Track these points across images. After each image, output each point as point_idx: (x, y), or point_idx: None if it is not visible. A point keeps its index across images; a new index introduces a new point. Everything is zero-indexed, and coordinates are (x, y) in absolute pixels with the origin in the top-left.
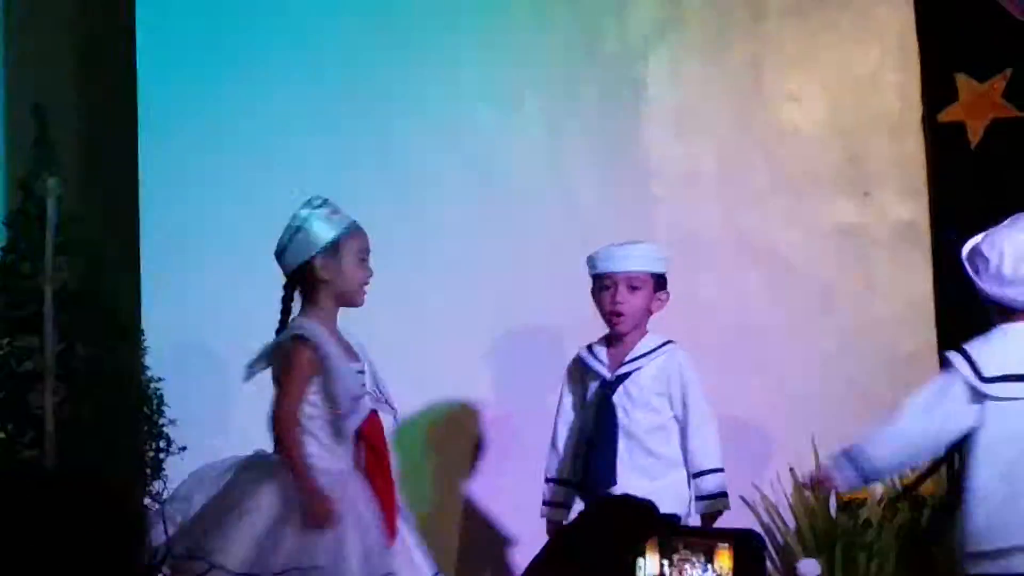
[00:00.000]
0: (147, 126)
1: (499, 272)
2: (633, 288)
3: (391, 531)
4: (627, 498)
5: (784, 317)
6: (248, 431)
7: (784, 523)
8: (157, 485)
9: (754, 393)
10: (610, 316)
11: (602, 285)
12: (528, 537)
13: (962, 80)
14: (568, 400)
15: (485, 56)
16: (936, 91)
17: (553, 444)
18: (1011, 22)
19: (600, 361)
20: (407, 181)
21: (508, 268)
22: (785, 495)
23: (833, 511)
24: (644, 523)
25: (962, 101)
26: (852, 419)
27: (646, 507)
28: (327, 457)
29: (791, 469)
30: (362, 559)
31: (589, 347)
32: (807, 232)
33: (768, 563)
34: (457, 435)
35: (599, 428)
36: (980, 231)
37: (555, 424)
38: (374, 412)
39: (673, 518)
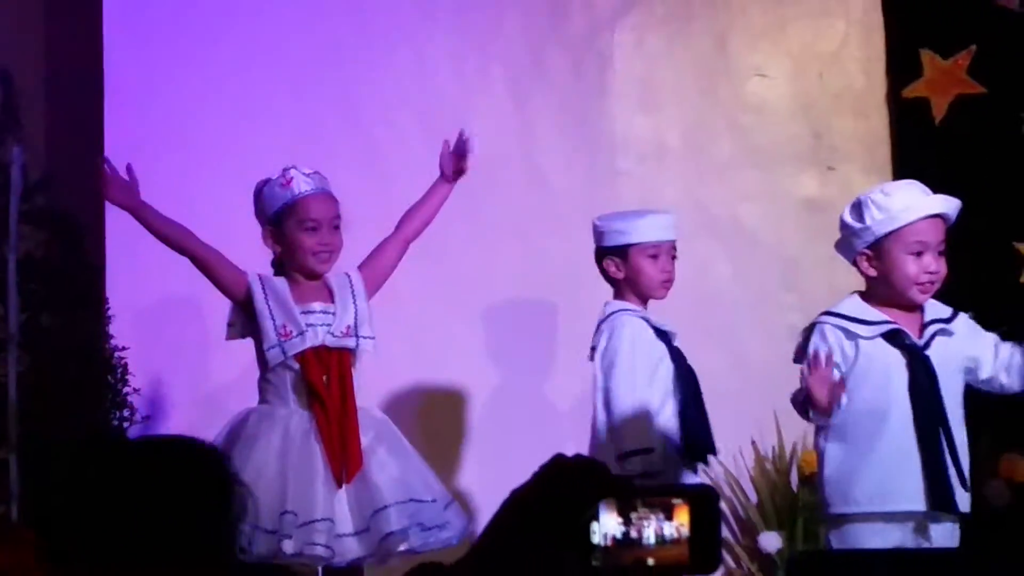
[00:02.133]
0: (113, 93)
1: (465, 245)
2: (673, 257)
3: (337, 475)
4: (580, 459)
5: (748, 290)
6: (214, 400)
7: (746, 497)
8: None
9: (717, 366)
10: (663, 284)
11: (647, 253)
12: None
13: (927, 56)
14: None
15: (452, 29)
16: (901, 67)
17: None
18: None
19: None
20: (374, 154)
21: (475, 241)
22: (747, 469)
23: (795, 485)
24: (598, 484)
25: (927, 77)
26: None
27: (600, 467)
28: (271, 399)
29: (753, 443)
30: (283, 498)
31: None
32: (771, 206)
33: (730, 536)
34: (413, 409)
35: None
36: None
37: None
38: (327, 354)
39: (627, 478)
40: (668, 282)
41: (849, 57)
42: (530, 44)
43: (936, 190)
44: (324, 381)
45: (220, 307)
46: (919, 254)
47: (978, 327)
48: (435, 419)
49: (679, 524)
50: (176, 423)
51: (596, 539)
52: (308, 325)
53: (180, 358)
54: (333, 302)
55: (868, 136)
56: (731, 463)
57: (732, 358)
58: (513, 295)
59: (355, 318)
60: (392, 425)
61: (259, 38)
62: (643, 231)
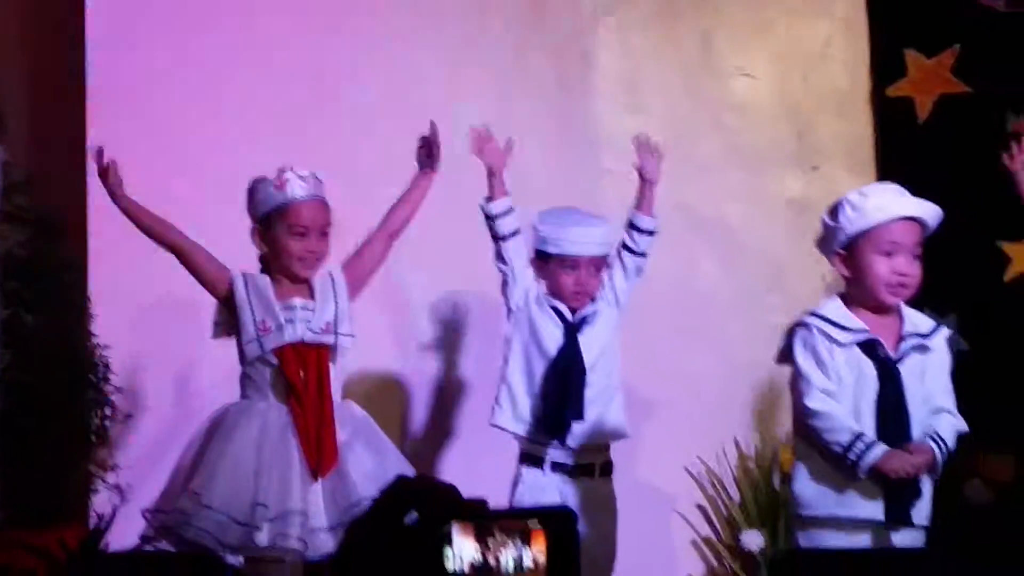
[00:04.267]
0: (96, 92)
1: (447, 243)
2: (597, 269)
3: (312, 468)
4: (424, 480)
5: (732, 290)
6: (196, 399)
7: (728, 495)
8: (102, 453)
9: (701, 366)
10: (573, 295)
11: (568, 264)
12: None
13: (911, 55)
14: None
15: (434, 27)
16: (885, 66)
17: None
18: None
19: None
20: (357, 155)
21: (460, 241)
22: (730, 468)
23: (776, 484)
24: (446, 507)
25: (911, 76)
26: None
27: (445, 489)
28: (251, 393)
29: (736, 441)
30: (257, 490)
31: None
32: (756, 205)
33: (712, 535)
34: (396, 404)
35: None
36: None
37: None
38: (305, 350)
39: (479, 501)
40: (580, 294)
41: (833, 57)
42: (514, 44)
43: (920, 189)
44: (301, 376)
45: (203, 305)
46: (889, 255)
47: (946, 366)
48: (419, 415)
49: (537, 550)
50: (158, 422)
51: (450, 565)
52: (287, 320)
53: (163, 356)
54: (314, 298)
55: (852, 136)
56: (714, 462)
57: (716, 357)
58: (498, 296)
59: (335, 315)
60: (371, 422)
61: (243, 40)
62: (563, 244)
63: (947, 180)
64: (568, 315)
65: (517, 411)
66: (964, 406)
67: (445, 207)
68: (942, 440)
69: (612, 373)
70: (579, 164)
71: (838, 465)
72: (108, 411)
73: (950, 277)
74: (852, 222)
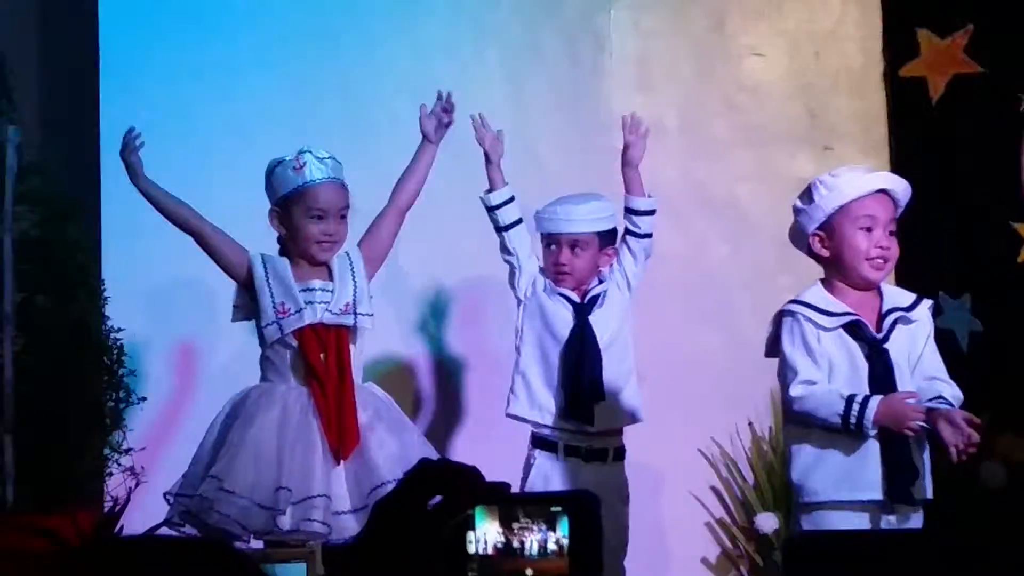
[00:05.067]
0: (109, 75)
1: (461, 226)
2: (575, 248)
3: (334, 450)
4: (448, 464)
5: (744, 270)
6: (209, 382)
7: (743, 478)
8: (116, 436)
9: (714, 347)
10: (555, 275)
11: (547, 243)
12: None
13: (924, 35)
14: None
15: (446, 8)
16: (898, 46)
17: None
18: None
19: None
20: (369, 134)
21: (471, 222)
22: (744, 449)
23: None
24: (468, 490)
25: (924, 56)
26: None
27: (470, 473)
28: (272, 376)
29: (750, 423)
30: (280, 474)
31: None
32: (768, 186)
33: (726, 517)
34: (411, 388)
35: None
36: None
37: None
38: (325, 332)
39: (502, 485)
40: (561, 274)
41: (846, 36)
42: (525, 24)
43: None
44: (322, 358)
45: (216, 287)
46: (869, 229)
47: (931, 335)
48: (434, 397)
49: (560, 535)
50: (172, 404)
51: (472, 548)
52: (307, 303)
53: (176, 339)
54: (332, 280)
55: (865, 116)
56: (728, 444)
57: (728, 338)
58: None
59: (354, 295)
60: (393, 403)
61: (255, 24)
62: (542, 223)
63: (960, 160)
64: (575, 297)
65: (534, 399)
66: (978, 386)
67: (459, 187)
68: (947, 402)
69: (625, 358)
70: (591, 145)
71: (834, 444)
72: (122, 394)
73: (964, 258)
74: (828, 200)
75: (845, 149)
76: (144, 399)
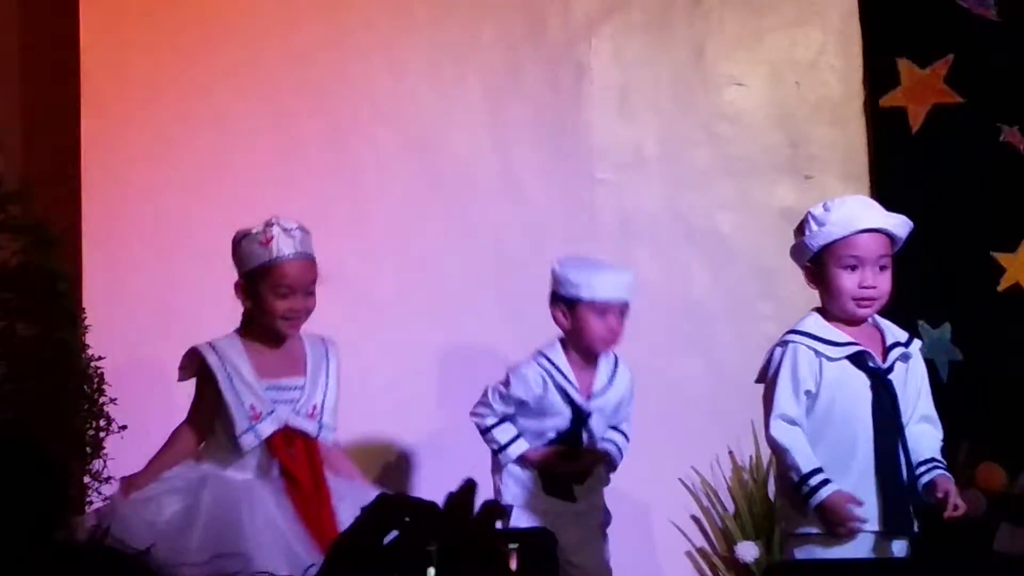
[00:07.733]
0: (90, 104)
1: (441, 254)
2: (623, 315)
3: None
4: (406, 499)
5: (725, 299)
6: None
7: (723, 506)
8: (97, 464)
9: (694, 375)
10: (606, 341)
11: (595, 309)
12: None
13: (904, 65)
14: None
15: (428, 38)
16: (878, 76)
17: None
18: (953, 7)
19: (573, 385)
20: (351, 164)
21: (451, 250)
22: (724, 478)
23: (771, 495)
24: (428, 526)
25: (904, 86)
26: None
27: (429, 508)
28: (223, 464)
29: (730, 452)
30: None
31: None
32: (749, 215)
33: (707, 546)
34: (389, 417)
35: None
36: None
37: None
38: (294, 436)
39: (467, 482)
40: (611, 341)
41: (826, 66)
42: (507, 53)
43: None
44: (290, 455)
45: (198, 316)
46: (853, 268)
47: (924, 372)
48: (412, 428)
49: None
50: (154, 434)
51: None
52: (275, 402)
53: (157, 368)
54: (303, 373)
55: (845, 145)
56: (708, 472)
57: (709, 366)
58: (490, 305)
59: (323, 401)
60: (362, 481)
61: (236, 50)
62: (595, 289)
63: (940, 190)
64: (578, 398)
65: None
66: (958, 415)
67: (441, 216)
68: (940, 462)
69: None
70: (572, 173)
71: (831, 471)
72: (103, 422)
73: (944, 287)
74: (815, 237)
75: (826, 178)
76: (125, 427)
